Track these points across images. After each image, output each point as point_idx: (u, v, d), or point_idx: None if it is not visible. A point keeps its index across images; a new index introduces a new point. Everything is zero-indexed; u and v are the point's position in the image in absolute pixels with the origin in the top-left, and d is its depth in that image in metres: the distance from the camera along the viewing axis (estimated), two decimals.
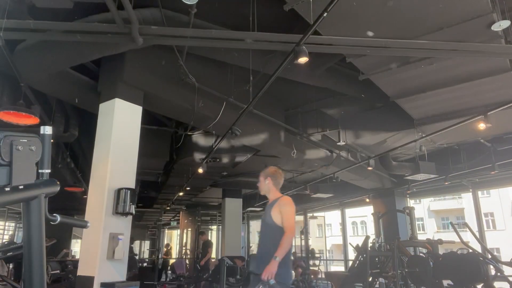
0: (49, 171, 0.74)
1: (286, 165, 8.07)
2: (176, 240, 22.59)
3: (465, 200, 24.89)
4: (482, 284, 4.92)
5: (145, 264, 13.58)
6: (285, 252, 2.81)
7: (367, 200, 10.91)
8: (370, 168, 7.79)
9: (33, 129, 4.79)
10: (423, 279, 5.49)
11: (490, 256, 5.48)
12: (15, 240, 14.02)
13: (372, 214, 10.31)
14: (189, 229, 15.36)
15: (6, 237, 15.04)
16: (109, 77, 4.68)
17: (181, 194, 11.06)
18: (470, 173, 8.08)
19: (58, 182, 0.77)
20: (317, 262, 12.51)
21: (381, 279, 6.95)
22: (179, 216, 16.81)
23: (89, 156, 4.60)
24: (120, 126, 4.37)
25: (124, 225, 4.17)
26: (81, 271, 4.02)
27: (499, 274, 5.05)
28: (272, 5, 3.82)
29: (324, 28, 3.67)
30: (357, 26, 3.77)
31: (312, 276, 9.29)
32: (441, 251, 6.40)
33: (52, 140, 0.76)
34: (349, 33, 3.79)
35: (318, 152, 7.47)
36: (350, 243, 9.32)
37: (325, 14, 3.13)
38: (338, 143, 7.14)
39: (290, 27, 4.20)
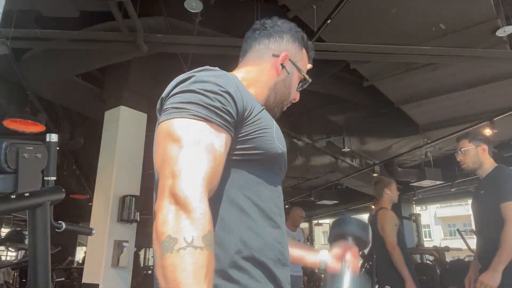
0: (54, 178, 0.75)
1: (290, 171, 8.05)
2: None
3: None
4: None
5: (149, 272, 13.52)
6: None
7: (373, 207, 10.81)
8: (375, 175, 7.75)
9: (39, 137, 4.83)
10: (430, 287, 5.42)
11: None
12: None
13: None
14: None
15: None
16: (114, 85, 4.71)
17: None
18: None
19: (63, 190, 0.77)
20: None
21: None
22: None
23: (94, 163, 4.61)
24: (125, 134, 4.39)
25: (129, 233, 4.17)
26: (85, 279, 4.02)
27: None
28: (276, 13, 3.83)
29: (328, 35, 3.68)
30: (361, 32, 3.78)
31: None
32: (448, 259, 6.33)
33: (57, 148, 0.76)
34: (353, 40, 3.79)
35: (322, 159, 7.44)
36: None
37: (328, 21, 3.15)
38: (343, 150, 7.11)
39: None
